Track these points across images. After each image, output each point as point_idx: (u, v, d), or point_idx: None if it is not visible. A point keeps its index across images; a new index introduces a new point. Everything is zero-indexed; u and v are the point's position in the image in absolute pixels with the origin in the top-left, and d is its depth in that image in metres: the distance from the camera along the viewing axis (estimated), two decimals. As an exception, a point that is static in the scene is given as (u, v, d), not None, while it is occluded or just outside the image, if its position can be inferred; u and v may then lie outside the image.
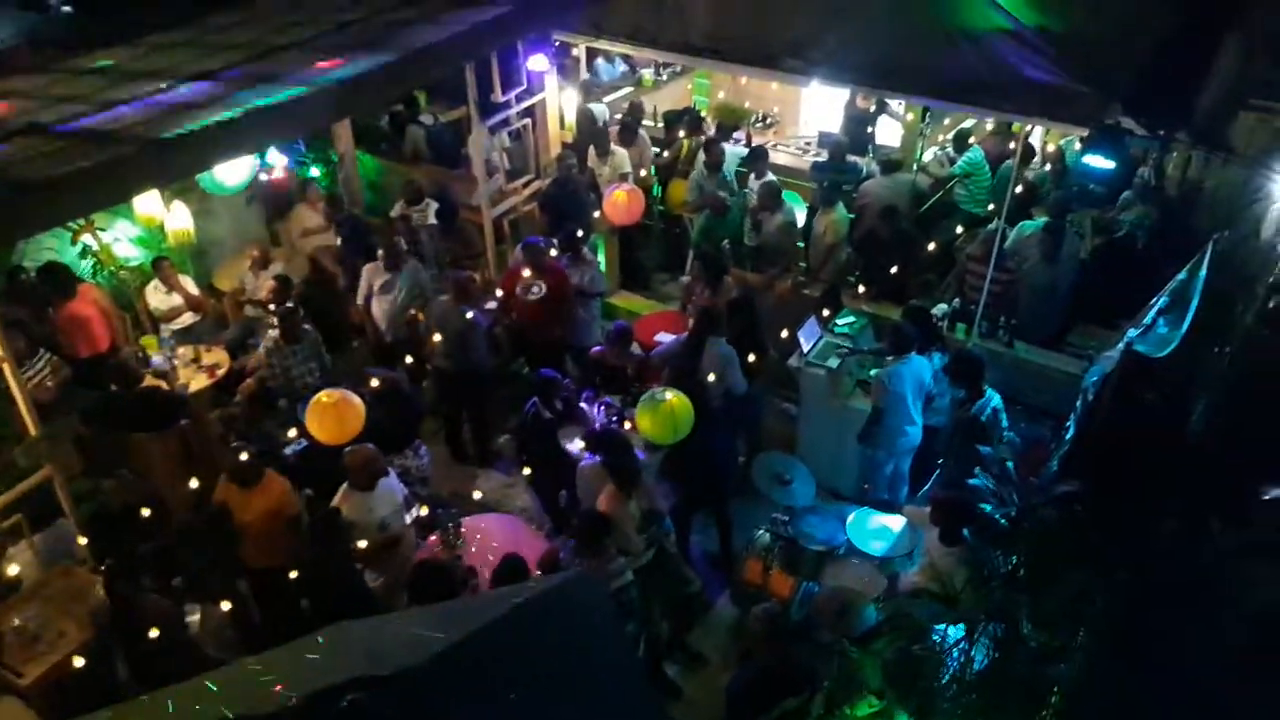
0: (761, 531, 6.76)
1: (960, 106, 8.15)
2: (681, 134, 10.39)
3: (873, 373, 7.50)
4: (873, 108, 10.43)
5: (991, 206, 9.20)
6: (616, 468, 6.00)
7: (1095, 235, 8.63)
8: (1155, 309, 5.89)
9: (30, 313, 7.56)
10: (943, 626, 4.61)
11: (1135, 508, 4.84)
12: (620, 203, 8.43)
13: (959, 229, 9.31)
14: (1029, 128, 8.56)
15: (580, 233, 8.50)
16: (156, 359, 7.95)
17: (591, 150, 9.93)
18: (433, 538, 6.28)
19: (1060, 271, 7.96)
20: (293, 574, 5.78)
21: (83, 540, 6.28)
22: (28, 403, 6.02)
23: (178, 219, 8.25)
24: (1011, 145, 9.46)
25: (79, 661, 5.24)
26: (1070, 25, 7.21)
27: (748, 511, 7.09)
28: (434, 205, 9.32)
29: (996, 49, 7.11)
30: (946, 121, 10.20)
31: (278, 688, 2.87)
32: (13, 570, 6.04)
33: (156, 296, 8.39)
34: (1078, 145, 8.70)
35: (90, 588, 5.83)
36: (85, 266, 8.34)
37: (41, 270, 7.82)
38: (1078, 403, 6.14)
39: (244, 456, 6.11)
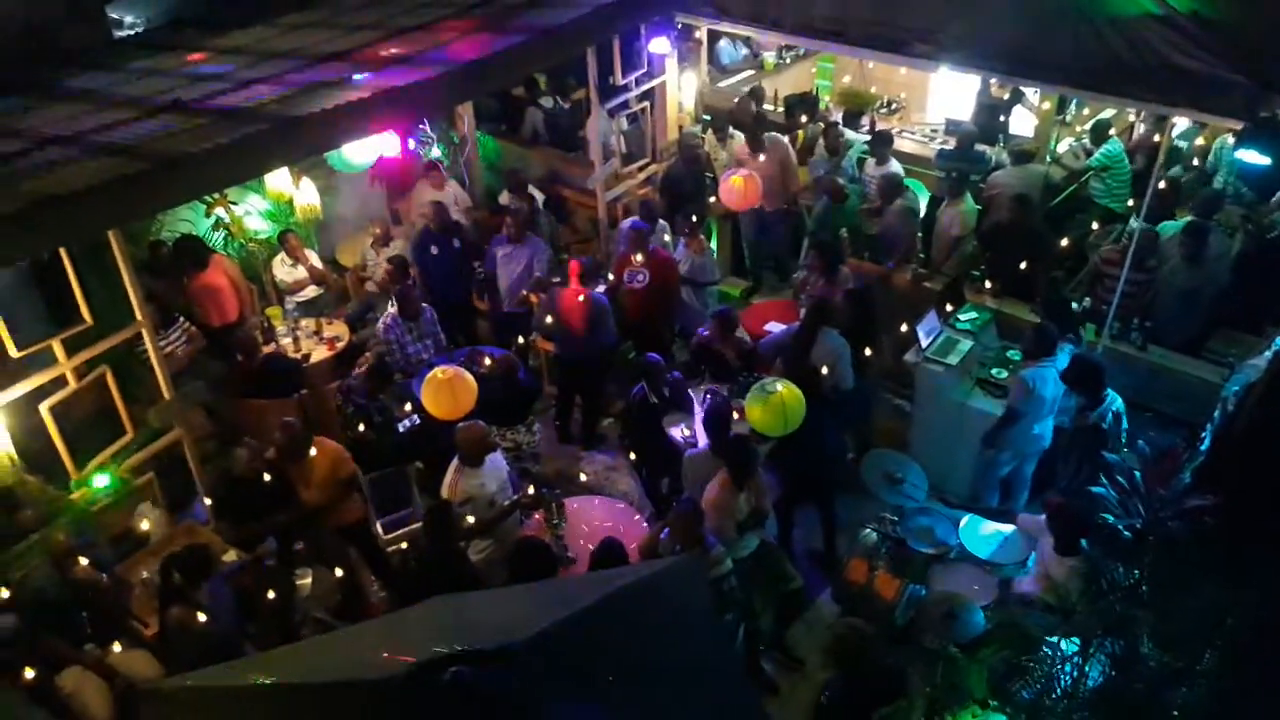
0: (868, 530, 6.60)
1: (1100, 96, 7.73)
2: (803, 119, 10.21)
3: (994, 371, 7.24)
4: (1007, 95, 10.01)
5: (1131, 203, 8.73)
6: (734, 459, 5.91)
7: (1244, 236, 8.10)
8: (1309, 316, 5.51)
9: (166, 283, 7.94)
10: (1055, 639, 4.41)
11: (1276, 524, 4.53)
12: (737, 188, 8.31)
13: (1094, 225, 8.87)
14: (1174, 120, 8.07)
15: (695, 218, 8.43)
16: (280, 329, 8.27)
17: (710, 135, 9.83)
18: (536, 516, 6.36)
19: (1205, 274, 7.47)
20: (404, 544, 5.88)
21: (208, 500, 6.59)
22: (163, 368, 6.34)
23: (305, 195, 8.54)
24: (1156, 138, 8.96)
25: (202, 617, 5.45)
26: (1226, 9, 6.72)
27: (853, 509, 6.93)
28: (536, 194, 9.36)
29: (1143, 34, 6.72)
30: (1085, 111, 9.72)
31: (385, 655, 2.93)
32: (144, 526, 6.38)
33: (283, 269, 8.71)
34: (1230, 140, 8.16)
35: (214, 545, 6.10)
36: (218, 238, 8.72)
37: (177, 242, 8.19)
38: (1215, 412, 5.78)
39: (290, 432, 6.23)
